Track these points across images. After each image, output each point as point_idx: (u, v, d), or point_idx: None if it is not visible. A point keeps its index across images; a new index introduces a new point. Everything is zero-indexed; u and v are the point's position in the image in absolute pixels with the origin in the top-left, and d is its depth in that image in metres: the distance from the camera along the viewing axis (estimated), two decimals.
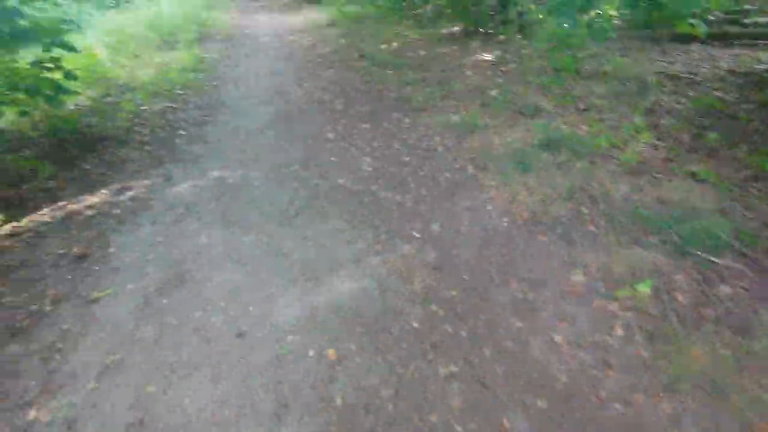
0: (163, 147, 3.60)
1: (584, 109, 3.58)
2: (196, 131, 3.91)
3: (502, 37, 6.39)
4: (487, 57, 5.64)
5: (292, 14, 10.83)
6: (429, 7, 8.66)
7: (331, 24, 8.86)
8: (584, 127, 3.23)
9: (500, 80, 4.60)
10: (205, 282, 2.08)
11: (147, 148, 3.61)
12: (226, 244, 2.35)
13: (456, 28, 7.39)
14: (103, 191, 2.91)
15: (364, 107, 4.29)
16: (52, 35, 3.18)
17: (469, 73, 5.04)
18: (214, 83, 5.27)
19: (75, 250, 2.29)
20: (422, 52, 6.22)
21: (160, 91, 4.77)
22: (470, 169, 2.93)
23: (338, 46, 7.06)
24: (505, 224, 2.35)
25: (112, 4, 9.24)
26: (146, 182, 3.03)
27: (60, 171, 3.27)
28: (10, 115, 3.91)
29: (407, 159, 3.18)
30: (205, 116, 4.26)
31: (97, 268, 2.18)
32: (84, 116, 4.14)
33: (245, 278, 2.10)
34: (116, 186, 2.96)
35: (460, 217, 2.47)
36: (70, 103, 4.35)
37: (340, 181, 2.93)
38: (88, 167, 3.33)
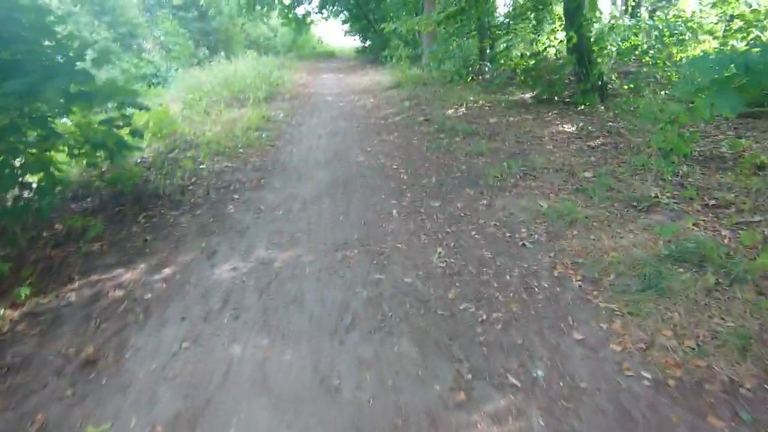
0: (213, 213, 3.32)
1: (716, 206, 2.84)
2: (249, 196, 3.63)
3: (581, 107, 5.87)
4: (568, 128, 5.09)
5: (357, 76, 11.18)
6: (497, 72, 8.45)
7: (395, 86, 8.88)
8: (726, 234, 2.49)
9: (591, 158, 3.99)
10: (227, 426, 1.55)
11: (197, 212, 3.35)
12: (263, 362, 1.84)
13: (527, 95, 7.01)
14: (141, 266, 2.59)
15: (431, 179, 3.84)
16: (124, 95, 3.13)
17: (549, 146, 4.50)
18: (276, 143, 5.15)
19: (87, 350, 1.89)
20: (492, 119, 5.82)
21: (222, 150, 4.68)
22: (576, 280, 2.27)
23: (402, 108, 6.89)
24: (648, 384, 1.64)
25: (195, 63, 10.08)
26: (187, 258, 2.68)
27: (108, 230, 3.07)
28: (81, 166, 3.92)
29: (489, 255, 2.59)
30: (262, 179, 4.02)
31: (104, 381, 1.74)
32: (145, 171, 4.07)
33: (280, 428, 1.54)
34: (155, 260, 2.64)
35: (572, 359, 1.79)
36: (136, 158, 4.35)
37: (407, 279, 2.39)
38: (135, 229, 3.10)
